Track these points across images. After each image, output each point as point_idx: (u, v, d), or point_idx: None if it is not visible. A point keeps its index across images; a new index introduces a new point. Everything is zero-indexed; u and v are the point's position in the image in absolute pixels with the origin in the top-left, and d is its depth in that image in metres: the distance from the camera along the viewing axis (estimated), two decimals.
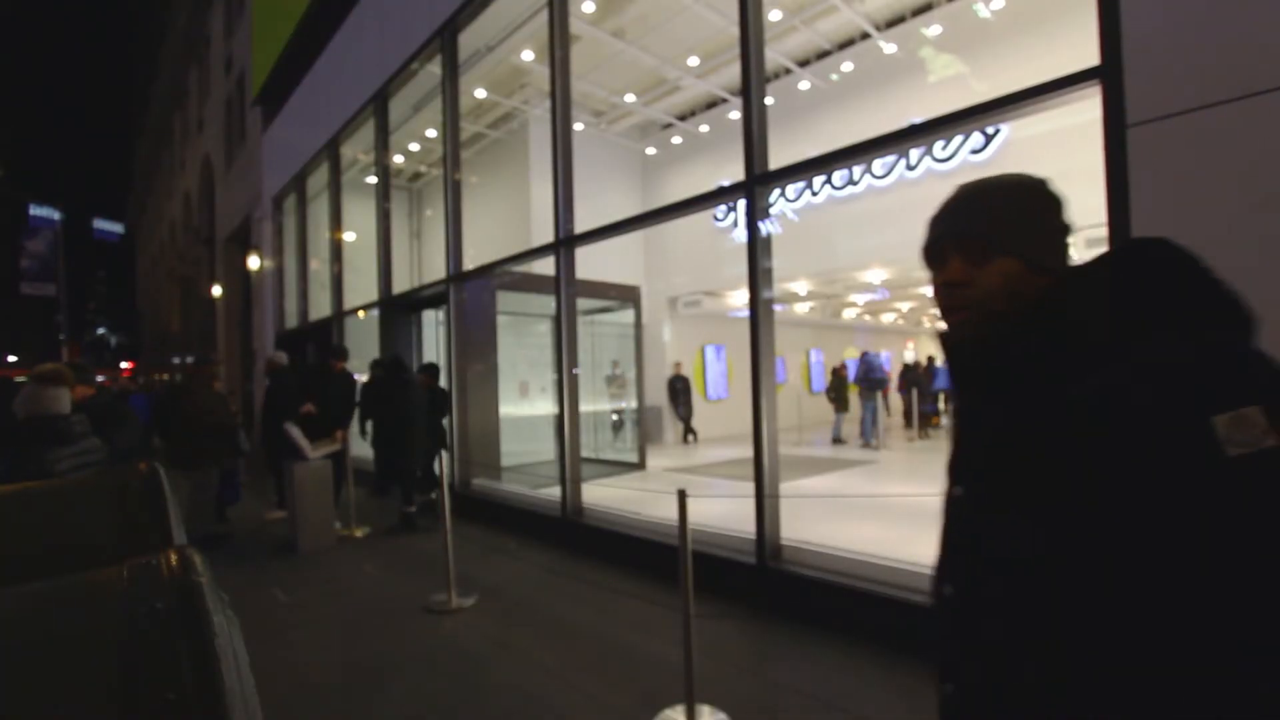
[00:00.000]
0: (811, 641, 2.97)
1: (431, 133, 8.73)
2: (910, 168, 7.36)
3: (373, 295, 8.37)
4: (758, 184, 3.61)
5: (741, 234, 4.10)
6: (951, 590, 0.75)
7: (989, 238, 0.79)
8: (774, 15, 7.20)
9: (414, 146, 9.56)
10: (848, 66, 8.17)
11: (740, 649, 2.98)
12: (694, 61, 8.14)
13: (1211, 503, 0.51)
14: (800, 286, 10.91)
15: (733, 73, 7.95)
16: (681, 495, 2.49)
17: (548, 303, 5.65)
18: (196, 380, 5.26)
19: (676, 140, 10.23)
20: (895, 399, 12.80)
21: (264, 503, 6.59)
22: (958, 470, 0.79)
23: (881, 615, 2.88)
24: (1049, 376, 0.68)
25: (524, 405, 7.88)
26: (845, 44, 8.11)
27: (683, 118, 9.86)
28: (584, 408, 5.62)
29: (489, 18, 6.37)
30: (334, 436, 5.56)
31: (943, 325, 0.85)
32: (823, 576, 3.18)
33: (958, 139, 6.85)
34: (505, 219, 9.22)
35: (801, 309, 13.01)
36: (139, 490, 0.75)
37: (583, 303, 7.39)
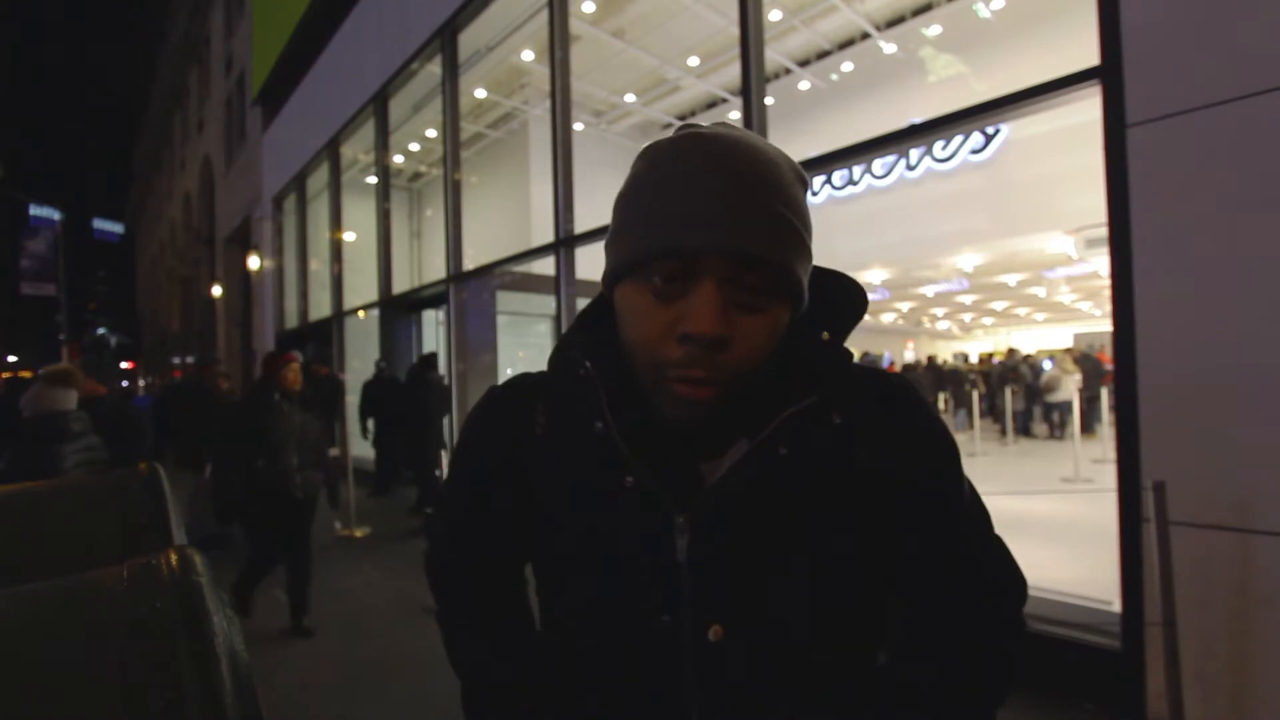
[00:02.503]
0: None
1: (431, 133, 8.73)
2: (910, 168, 7.36)
3: (373, 295, 8.37)
4: None
5: None
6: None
7: (784, 266, 0.51)
8: (774, 15, 7.19)
9: (414, 146, 9.56)
10: (848, 66, 8.17)
11: None
12: (694, 61, 8.14)
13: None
14: None
15: (733, 73, 7.94)
16: None
17: (548, 303, 5.65)
18: (204, 380, 5.27)
19: None
20: None
21: None
22: (707, 603, 0.55)
23: None
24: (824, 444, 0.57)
25: None
26: (845, 44, 8.10)
27: (683, 118, 9.85)
28: None
29: (489, 18, 6.37)
30: None
31: (673, 392, 0.52)
32: None
33: (958, 139, 6.84)
34: (505, 219, 9.22)
35: None
36: (139, 490, 0.74)
37: (582, 303, 7.40)
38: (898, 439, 0.59)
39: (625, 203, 0.57)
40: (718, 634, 0.54)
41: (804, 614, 0.56)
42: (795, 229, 0.52)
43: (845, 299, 0.61)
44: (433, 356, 5.90)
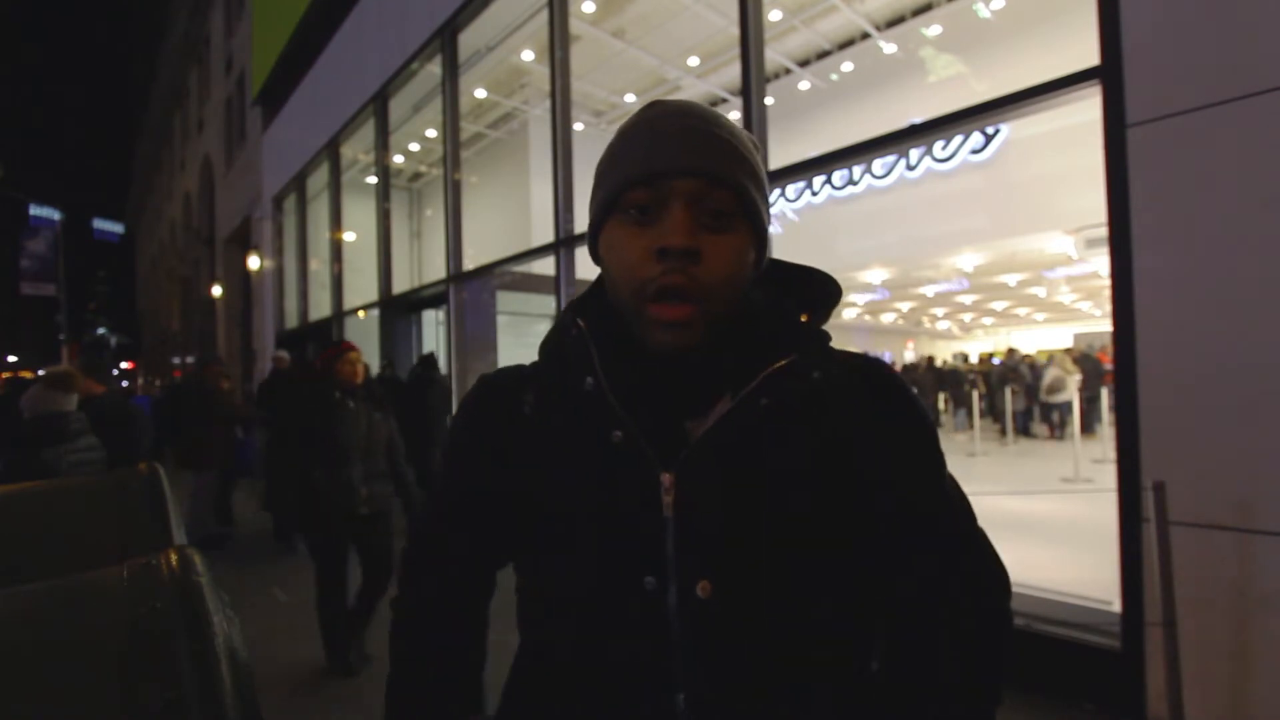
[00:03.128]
0: None
1: (431, 133, 8.73)
2: (910, 168, 7.35)
3: (373, 295, 8.37)
4: None
5: None
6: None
7: (740, 186, 0.57)
8: (774, 15, 7.19)
9: (414, 146, 9.56)
10: (848, 66, 8.17)
11: None
12: (694, 61, 8.14)
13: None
14: None
15: (733, 73, 7.94)
16: None
17: (548, 303, 5.65)
18: (205, 379, 5.29)
19: None
20: None
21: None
22: (695, 559, 0.55)
23: None
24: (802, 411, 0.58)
25: None
26: (845, 44, 8.11)
27: None
28: None
29: (489, 18, 6.37)
30: None
31: (654, 315, 0.56)
32: None
33: (958, 139, 6.84)
34: (505, 219, 9.22)
35: None
36: (139, 490, 0.75)
37: None
38: (875, 412, 0.61)
39: (601, 167, 0.62)
40: (706, 590, 0.54)
41: (792, 571, 0.56)
42: (748, 161, 0.58)
43: (821, 289, 0.65)
44: (431, 356, 5.92)
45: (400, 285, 8.21)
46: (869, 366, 0.64)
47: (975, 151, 6.82)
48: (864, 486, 0.59)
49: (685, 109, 0.59)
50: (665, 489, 0.56)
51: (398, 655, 0.71)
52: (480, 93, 8.35)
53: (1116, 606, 2.34)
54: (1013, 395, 10.25)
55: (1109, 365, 4.90)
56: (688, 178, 0.55)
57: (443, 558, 0.71)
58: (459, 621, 0.71)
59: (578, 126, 6.33)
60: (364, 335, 8.91)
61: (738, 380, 0.58)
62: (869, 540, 0.60)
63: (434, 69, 7.01)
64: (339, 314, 9.34)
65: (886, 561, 0.62)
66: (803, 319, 0.63)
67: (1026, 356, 12.24)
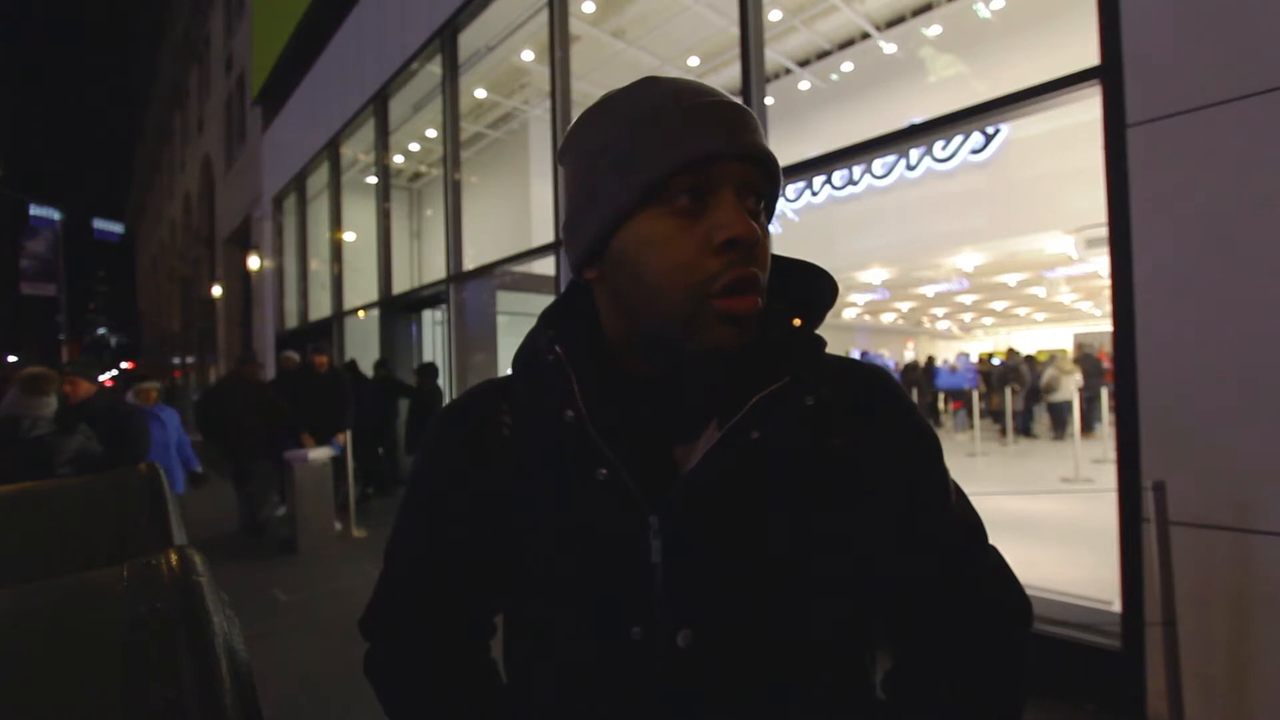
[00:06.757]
0: None
1: (431, 133, 8.72)
2: (910, 168, 7.35)
3: (373, 295, 8.37)
4: None
5: None
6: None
7: (778, 171, 0.54)
8: (774, 15, 7.19)
9: (414, 146, 9.55)
10: (848, 66, 8.17)
11: None
12: (694, 61, 8.13)
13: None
14: None
15: (733, 73, 7.92)
16: None
17: (547, 303, 5.65)
18: (245, 377, 5.36)
19: None
20: None
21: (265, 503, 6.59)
22: (683, 608, 0.52)
23: None
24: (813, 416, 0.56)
25: None
26: (845, 44, 8.10)
27: None
28: None
29: (489, 18, 6.37)
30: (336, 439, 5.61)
31: (724, 310, 0.50)
32: None
33: (958, 139, 6.84)
34: (505, 219, 9.22)
35: None
36: (139, 490, 0.74)
37: None
38: (874, 426, 0.57)
39: (596, 158, 0.54)
40: (689, 639, 0.51)
41: (785, 615, 0.53)
42: None
43: (814, 287, 0.60)
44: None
45: (400, 285, 8.21)
46: (867, 379, 0.60)
47: (975, 151, 6.82)
48: (864, 514, 0.55)
49: (692, 82, 0.54)
50: (653, 532, 0.52)
51: None
52: (480, 93, 8.34)
53: (1116, 606, 2.34)
54: (1013, 395, 10.25)
55: (1109, 364, 4.90)
56: (739, 161, 0.50)
57: (427, 636, 0.64)
58: (469, 691, 0.63)
59: None
60: (364, 335, 8.91)
61: (727, 404, 0.54)
62: (871, 571, 0.56)
63: (434, 69, 7.01)
64: (339, 314, 9.35)
65: (890, 591, 0.58)
66: (795, 323, 0.58)
67: (1028, 357, 12.23)
